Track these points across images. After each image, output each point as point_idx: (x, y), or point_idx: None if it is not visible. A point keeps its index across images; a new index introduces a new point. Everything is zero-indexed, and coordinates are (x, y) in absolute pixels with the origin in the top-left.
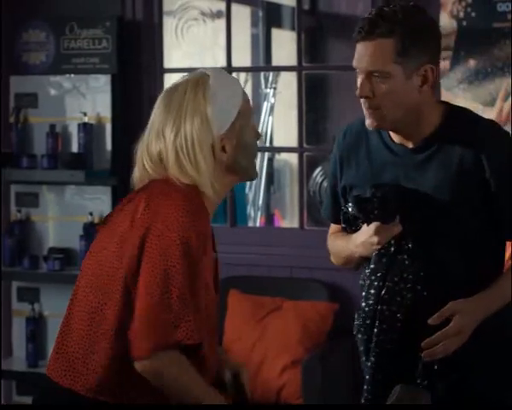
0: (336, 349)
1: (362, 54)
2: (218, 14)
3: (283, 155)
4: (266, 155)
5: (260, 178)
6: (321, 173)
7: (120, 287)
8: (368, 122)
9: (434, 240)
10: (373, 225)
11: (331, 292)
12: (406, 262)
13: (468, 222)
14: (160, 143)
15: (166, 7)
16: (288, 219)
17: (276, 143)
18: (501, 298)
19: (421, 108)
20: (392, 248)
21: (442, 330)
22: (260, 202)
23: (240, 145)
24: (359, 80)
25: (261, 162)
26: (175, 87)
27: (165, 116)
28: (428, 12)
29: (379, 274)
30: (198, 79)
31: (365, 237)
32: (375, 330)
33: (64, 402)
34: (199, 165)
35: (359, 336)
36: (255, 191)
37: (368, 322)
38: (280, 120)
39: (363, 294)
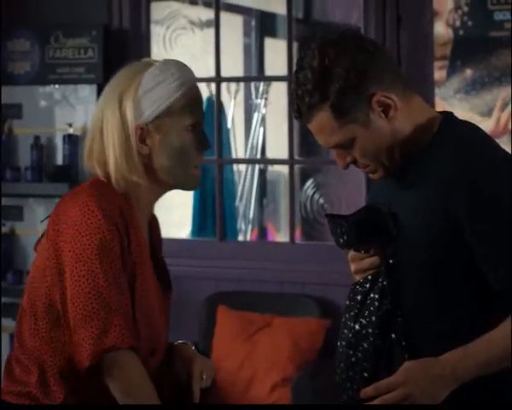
0: (327, 367)
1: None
2: (207, 23)
3: (277, 167)
4: (257, 166)
5: (251, 190)
6: (312, 186)
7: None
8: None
9: (409, 280)
10: (350, 252)
11: (323, 308)
12: (376, 303)
13: (446, 267)
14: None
15: (154, 15)
16: (283, 233)
17: (269, 155)
18: (481, 362)
19: (402, 130)
20: (368, 285)
21: (384, 396)
22: (251, 215)
23: (164, 143)
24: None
25: (252, 174)
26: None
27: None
28: (423, 21)
29: (352, 313)
30: (137, 66)
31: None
32: (343, 375)
33: None
34: (107, 151)
35: (336, 378)
36: (246, 204)
37: (341, 365)
38: (271, 131)
39: (340, 332)
